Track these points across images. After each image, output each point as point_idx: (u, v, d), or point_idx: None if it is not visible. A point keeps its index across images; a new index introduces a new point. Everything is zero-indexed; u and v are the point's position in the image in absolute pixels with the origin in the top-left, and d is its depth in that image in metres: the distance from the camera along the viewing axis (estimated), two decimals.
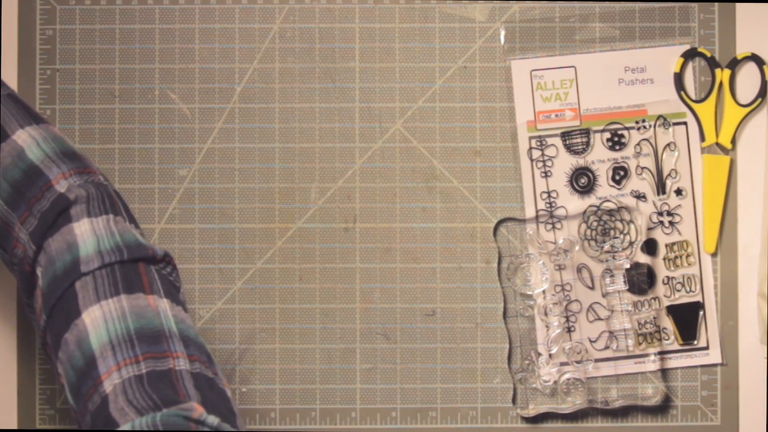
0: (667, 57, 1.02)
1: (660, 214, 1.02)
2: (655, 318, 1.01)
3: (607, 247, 1.01)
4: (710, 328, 1.01)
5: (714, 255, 1.02)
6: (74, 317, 0.76)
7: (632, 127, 1.01)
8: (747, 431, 1.01)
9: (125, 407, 0.72)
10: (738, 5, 1.02)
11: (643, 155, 1.01)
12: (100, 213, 0.81)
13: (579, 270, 1.01)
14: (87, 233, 0.79)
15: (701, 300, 1.01)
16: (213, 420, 0.71)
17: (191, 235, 1.01)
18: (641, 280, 1.01)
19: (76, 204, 0.80)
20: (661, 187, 1.01)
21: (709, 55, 1.01)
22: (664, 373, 1.01)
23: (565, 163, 1.01)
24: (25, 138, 0.83)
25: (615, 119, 1.01)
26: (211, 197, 1.01)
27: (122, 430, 0.70)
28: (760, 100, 1.02)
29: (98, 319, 0.76)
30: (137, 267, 0.79)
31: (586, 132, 1.01)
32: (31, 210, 0.81)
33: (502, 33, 1.02)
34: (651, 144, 1.01)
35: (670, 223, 1.02)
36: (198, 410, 0.71)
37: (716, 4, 1.02)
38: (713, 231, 1.01)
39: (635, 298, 1.01)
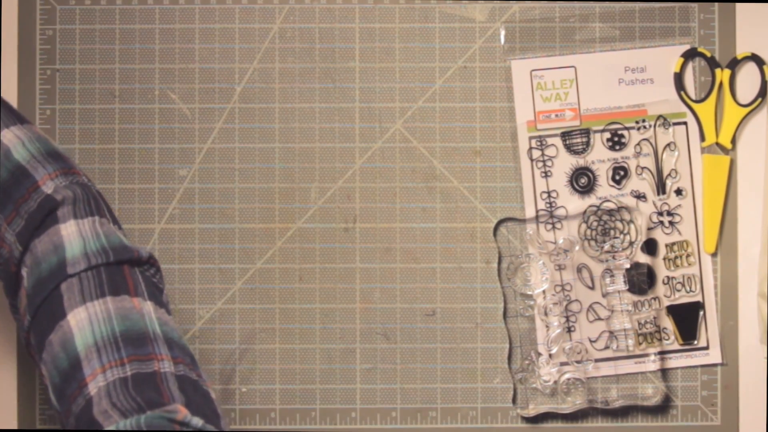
0: (667, 57, 1.02)
1: (660, 214, 1.01)
2: (655, 318, 1.01)
3: (607, 247, 1.01)
4: (710, 328, 1.01)
5: (714, 255, 1.01)
6: (59, 319, 0.76)
7: (632, 127, 1.01)
8: (747, 431, 1.01)
9: (109, 410, 0.72)
10: (738, 5, 1.01)
11: (643, 155, 1.01)
12: (86, 215, 0.81)
13: (579, 270, 1.01)
14: (73, 235, 0.79)
15: (701, 300, 1.01)
16: (197, 422, 0.71)
17: (191, 235, 1.01)
18: (641, 280, 1.01)
19: (62, 205, 0.81)
20: (661, 187, 1.01)
21: (709, 55, 1.01)
22: (664, 373, 1.01)
23: (565, 163, 1.01)
24: (10, 138, 0.83)
25: (615, 119, 1.01)
26: (211, 197, 1.01)
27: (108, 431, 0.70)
28: (760, 100, 1.01)
29: (83, 321, 0.76)
30: (122, 269, 0.79)
31: (586, 132, 1.01)
32: (18, 211, 0.81)
33: (502, 33, 1.02)
34: (651, 144, 1.01)
35: (670, 223, 1.01)
36: (182, 412, 0.71)
37: (716, 4, 1.02)
38: (713, 231, 1.01)
39: (635, 298, 1.01)
